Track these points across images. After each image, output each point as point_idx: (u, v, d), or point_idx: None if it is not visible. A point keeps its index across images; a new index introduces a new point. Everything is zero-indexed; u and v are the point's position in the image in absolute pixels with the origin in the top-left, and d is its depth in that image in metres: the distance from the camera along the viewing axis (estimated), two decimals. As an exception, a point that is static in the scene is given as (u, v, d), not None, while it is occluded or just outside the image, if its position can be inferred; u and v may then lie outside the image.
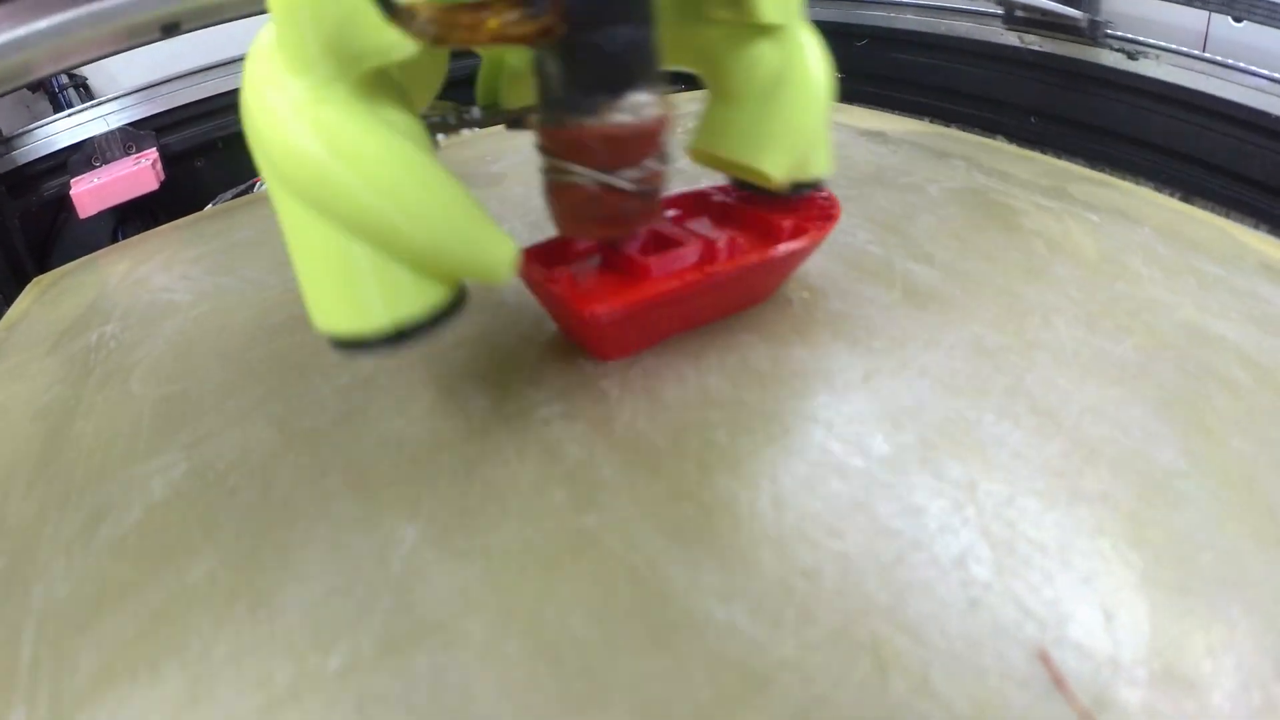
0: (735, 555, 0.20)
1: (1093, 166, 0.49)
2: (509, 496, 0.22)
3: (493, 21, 0.19)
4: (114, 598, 0.20)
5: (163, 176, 0.69)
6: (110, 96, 0.72)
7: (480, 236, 0.22)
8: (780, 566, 0.20)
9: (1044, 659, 0.17)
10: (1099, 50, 0.65)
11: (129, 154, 0.70)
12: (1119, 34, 0.63)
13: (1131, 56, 0.63)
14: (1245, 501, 0.21)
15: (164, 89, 0.73)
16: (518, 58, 0.29)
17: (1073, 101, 0.68)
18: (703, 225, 0.31)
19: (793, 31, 0.26)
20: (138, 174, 0.67)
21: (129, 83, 0.73)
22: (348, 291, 0.21)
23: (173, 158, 0.72)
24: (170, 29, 0.37)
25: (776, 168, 0.27)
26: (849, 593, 0.19)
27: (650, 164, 0.22)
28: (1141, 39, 0.63)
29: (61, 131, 0.70)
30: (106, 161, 0.69)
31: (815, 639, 0.18)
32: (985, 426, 0.24)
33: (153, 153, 0.70)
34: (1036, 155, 0.47)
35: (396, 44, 0.19)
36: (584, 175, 0.22)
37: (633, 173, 0.22)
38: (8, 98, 0.70)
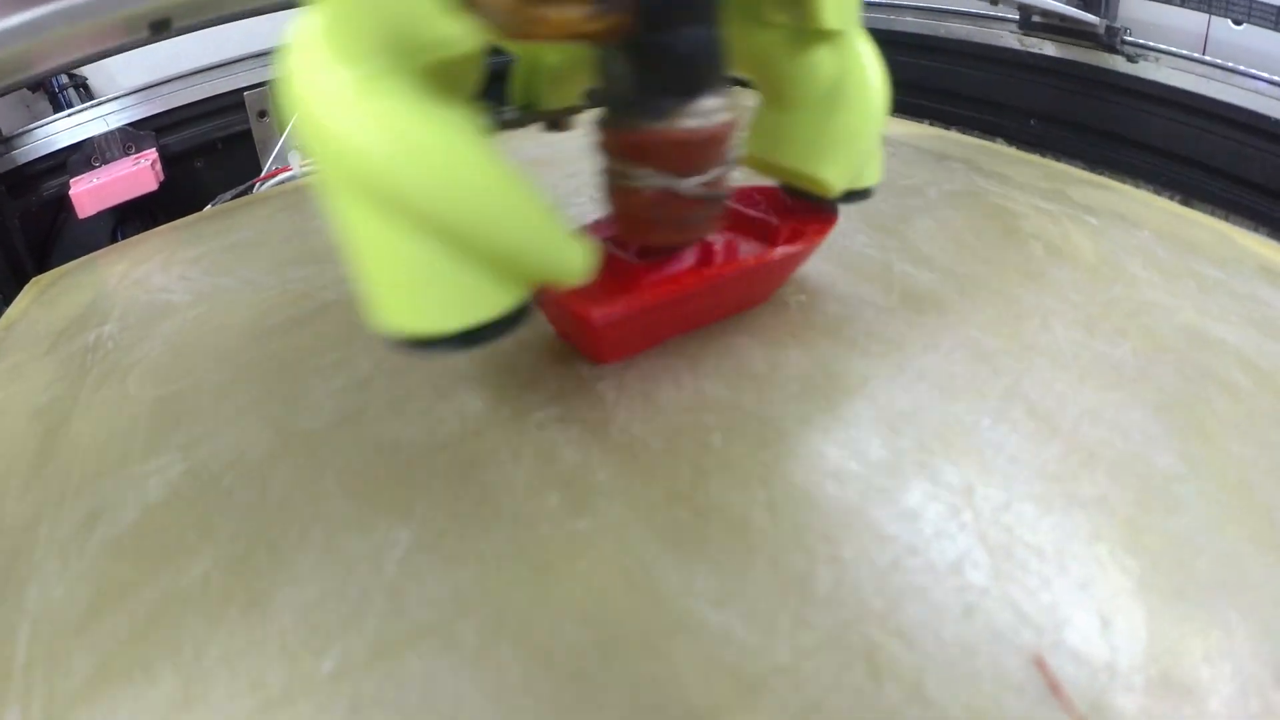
0: (730, 560, 0.20)
1: (1092, 169, 0.49)
2: (504, 500, 0.22)
3: (564, 16, 0.18)
4: (109, 599, 0.20)
5: (162, 177, 0.69)
6: (110, 97, 0.72)
7: (554, 236, 0.21)
8: (775, 571, 0.20)
9: (1040, 665, 0.17)
10: (1098, 53, 0.65)
11: (128, 154, 0.70)
12: (1133, 40, 0.63)
13: (1131, 59, 0.63)
14: (1244, 505, 0.21)
15: (164, 89, 0.73)
16: (558, 57, 0.28)
17: (1072, 104, 0.68)
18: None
19: (850, 39, 0.26)
20: (137, 174, 0.67)
21: (129, 83, 0.73)
22: (417, 291, 0.19)
23: (172, 158, 0.72)
24: (159, 26, 0.36)
25: (837, 178, 0.26)
26: (844, 598, 0.19)
27: (716, 169, 0.22)
28: (1144, 42, 0.63)
29: (61, 131, 0.70)
30: (106, 162, 0.69)
31: (810, 644, 0.18)
32: (982, 430, 0.24)
33: (152, 153, 0.70)
34: (1036, 158, 0.47)
35: (461, 36, 0.18)
36: (649, 180, 0.21)
37: (699, 178, 0.22)
38: (7, 97, 0.70)
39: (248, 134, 0.77)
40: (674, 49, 0.20)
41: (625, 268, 0.27)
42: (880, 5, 0.79)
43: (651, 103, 0.20)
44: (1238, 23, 0.59)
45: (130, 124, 0.71)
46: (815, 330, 0.28)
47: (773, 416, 0.24)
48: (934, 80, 0.77)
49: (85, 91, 0.77)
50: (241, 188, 0.64)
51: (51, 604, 0.21)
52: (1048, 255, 0.34)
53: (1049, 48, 0.69)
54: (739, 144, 0.22)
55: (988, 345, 0.27)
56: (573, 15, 0.18)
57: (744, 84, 0.29)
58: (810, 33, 0.25)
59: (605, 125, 0.22)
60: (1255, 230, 0.45)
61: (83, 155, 0.69)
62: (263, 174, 0.69)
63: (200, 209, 0.52)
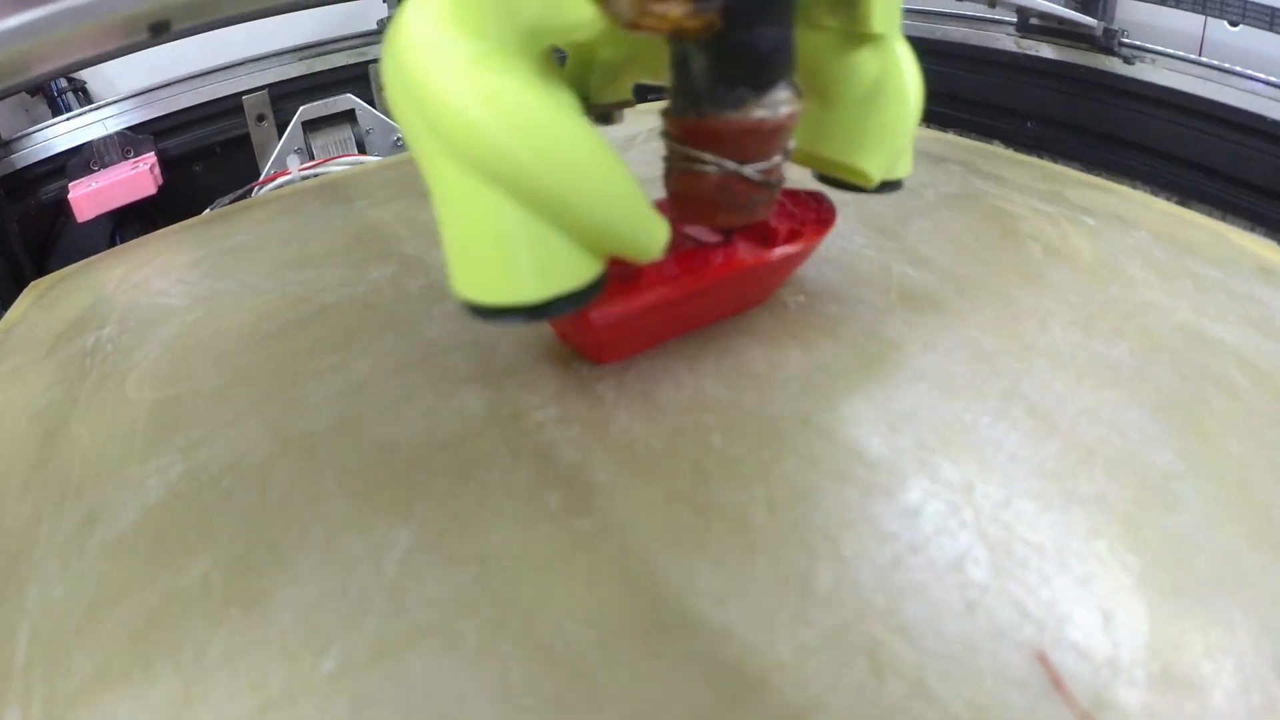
0: (730, 559, 0.20)
1: (1089, 171, 0.49)
2: (503, 500, 0.22)
3: (675, 10, 0.20)
4: (109, 600, 0.20)
5: (161, 181, 0.69)
6: (108, 100, 0.72)
7: (643, 210, 0.22)
8: (776, 570, 0.20)
9: (1042, 660, 0.17)
10: (1096, 55, 0.65)
11: (127, 158, 0.70)
12: (1129, 41, 0.63)
13: (1128, 61, 0.63)
14: (1242, 503, 0.21)
15: (162, 93, 0.73)
16: (612, 52, 0.30)
17: (1070, 106, 0.69)
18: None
19: (890, 41, 0.27)
20: (136, 178, 0.67)
21: (127, 87, 0.74)
22: (500, 260, 0.20)
23: (171, 162, 0.72)
24: (159, 29, 0.36)
25: (876, 169, 0.28)
26: (845, 596, 0.19)
27: (777, 157, 0.24)
28: (1141, 44, 0.63)
29: (60, 135, 0.70)
30: (105, 165, 0.69)
31: (811, 642, 0.18)
32: (982, 429, 0.24)
33: (151, 157, 0.70)
34: (1033, 160, 0.47)
35: (584, 23, 0.19)
36: (717, 165, 0.23)
37: (762, 164, 0.23)
38: (6, 101, 0.70)
39: (246, 138, 0.77)
40: (755, 47, 0.22)
41: (624, 268, 0.27)
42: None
43: (728, 94, 0.22)
44: (1234, 24, 0.59)
45: (129, 128, 0.72)
46: (815, 330, 0.28)
47: (773, 416, 0.24)
48: (932, 83, 0.77)
49: (84, 95, 0.77)
50: (240, 192, 0.64)
51: (51, 604, 0.21)
52: (1046, 256, 0.34)
53: (1046, 50, 0.69)
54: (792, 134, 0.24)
55: (986, 345, 0.27)
56: (677, 12, 0.20)
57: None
58: (856, 35, 0.26)
59: (678, 114, 0.24)
60: (1252, 230, 0.45)
61: (81, 159, 0.69)
62: (261, 178, 0.69)
63: (199, 213, 0.52)
